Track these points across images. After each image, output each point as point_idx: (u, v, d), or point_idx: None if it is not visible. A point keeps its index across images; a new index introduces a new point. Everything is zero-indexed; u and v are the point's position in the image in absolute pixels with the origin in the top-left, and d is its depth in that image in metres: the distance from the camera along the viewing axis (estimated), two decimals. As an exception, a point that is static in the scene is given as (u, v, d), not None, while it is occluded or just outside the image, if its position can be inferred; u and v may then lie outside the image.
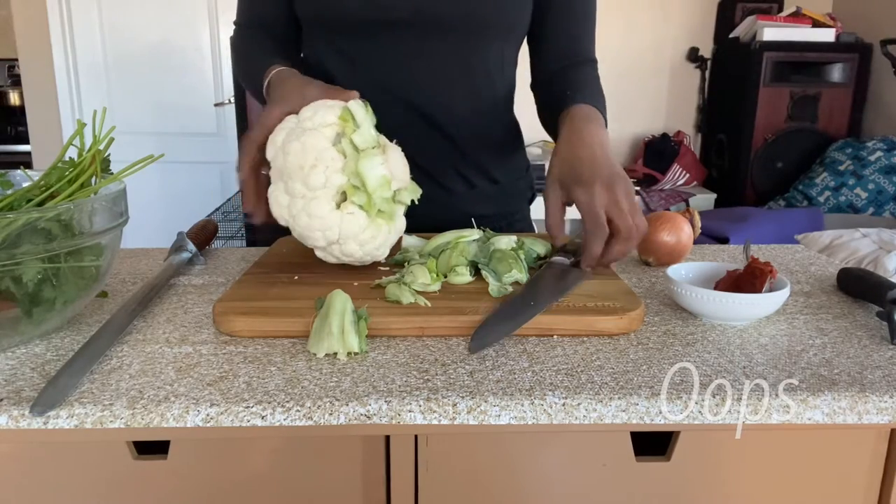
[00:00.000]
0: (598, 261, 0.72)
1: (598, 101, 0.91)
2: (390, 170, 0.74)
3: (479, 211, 1.03)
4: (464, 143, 1.01)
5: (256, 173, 0.79)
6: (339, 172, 0.72)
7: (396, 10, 0.92)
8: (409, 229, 0.82)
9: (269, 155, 0.76)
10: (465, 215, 0.98)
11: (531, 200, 1.15)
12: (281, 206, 0.75)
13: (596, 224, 0.71)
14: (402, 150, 0.79)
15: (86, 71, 3.20)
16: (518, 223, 1.12)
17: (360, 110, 0.75)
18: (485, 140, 1.04)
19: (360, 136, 0.73)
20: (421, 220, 1.00)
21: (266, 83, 0.88)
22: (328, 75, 0.99)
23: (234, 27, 1.05)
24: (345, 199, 0.73)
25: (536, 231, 1.14)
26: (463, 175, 1.04)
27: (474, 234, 0.80)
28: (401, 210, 0.80)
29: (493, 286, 0.72)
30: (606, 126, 0.87)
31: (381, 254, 0.78)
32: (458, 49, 0.96)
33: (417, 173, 1.01)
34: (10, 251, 0.57)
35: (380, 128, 0.78)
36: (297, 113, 0.77)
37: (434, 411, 0.54)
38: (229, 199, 2.97)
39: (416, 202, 0.80)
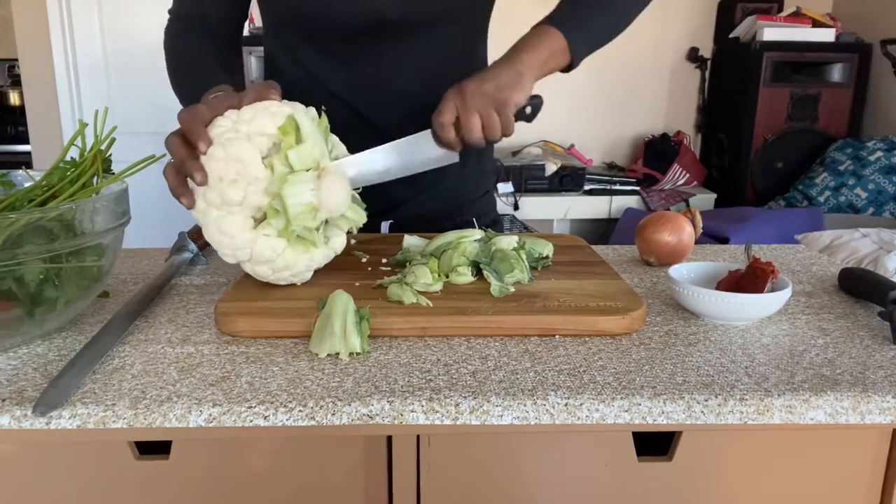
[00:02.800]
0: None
1: (570, 14, 0.87)
2: (320, 198, 0.67)
3: (472, 194, 1.07)
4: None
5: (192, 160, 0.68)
6: (261, 192, 0.66)
7: (385, 11, 0.91)
8: (408, 220, 0.81)
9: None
10: (460, 197, 1.01)
11: (496, 182, 1.17)
12: (196, 209, 0.69)
13: (440, 130, 0.80)
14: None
15: (86, 71, 3.19)
16: (489, 202, 1.15)
17: (308, 122, 0.67)
18: None
19: (298, 154, 0.66)
20: (421, 206, 1.02)
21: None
22: (313, 77, 0.98)
23: (168, 16, 1.02)
24: (265, 218, 0.67)
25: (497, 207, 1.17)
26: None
27: (476, 233, 0.80)
28: (338, 232, 0.74)
29: (495, 286, 0.72)
30: (573, 43, 0.85)
31: (300, 279, 0.73)
32: (438, 42, 0.97)
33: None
34: (12, 251, 0.57)
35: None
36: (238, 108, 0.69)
37: (436, 411, 0.54)
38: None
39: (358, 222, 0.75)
